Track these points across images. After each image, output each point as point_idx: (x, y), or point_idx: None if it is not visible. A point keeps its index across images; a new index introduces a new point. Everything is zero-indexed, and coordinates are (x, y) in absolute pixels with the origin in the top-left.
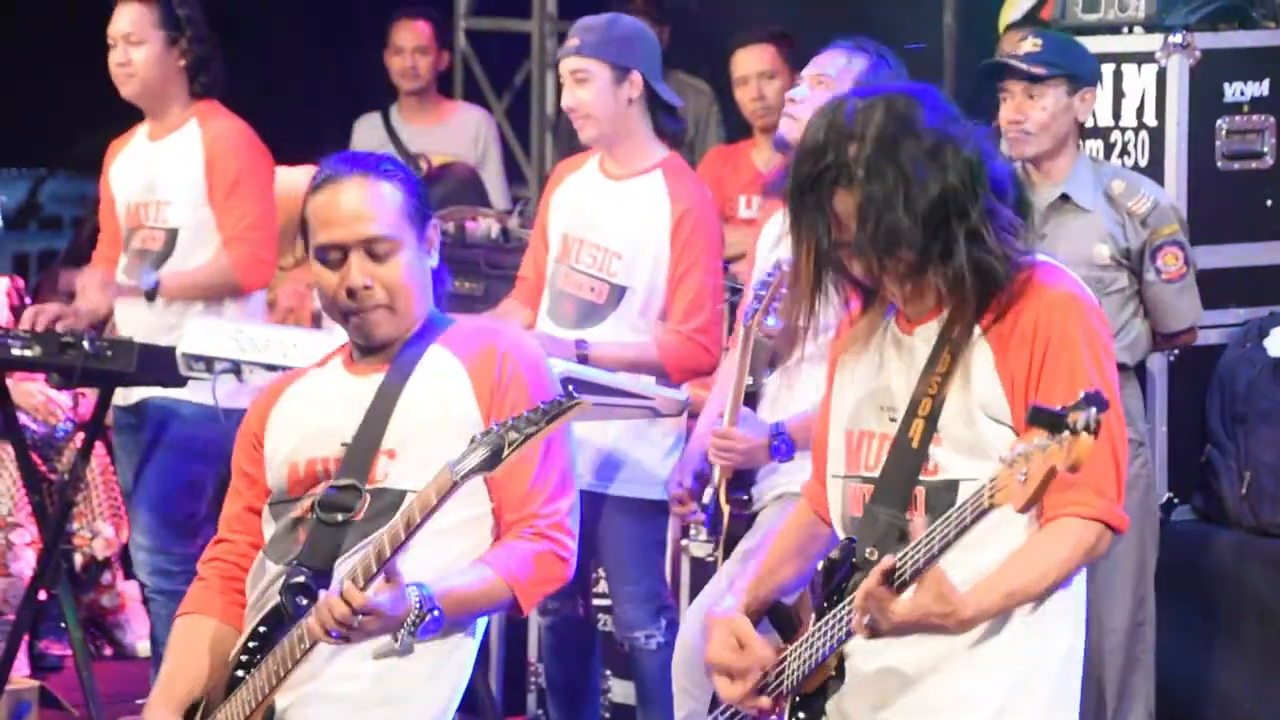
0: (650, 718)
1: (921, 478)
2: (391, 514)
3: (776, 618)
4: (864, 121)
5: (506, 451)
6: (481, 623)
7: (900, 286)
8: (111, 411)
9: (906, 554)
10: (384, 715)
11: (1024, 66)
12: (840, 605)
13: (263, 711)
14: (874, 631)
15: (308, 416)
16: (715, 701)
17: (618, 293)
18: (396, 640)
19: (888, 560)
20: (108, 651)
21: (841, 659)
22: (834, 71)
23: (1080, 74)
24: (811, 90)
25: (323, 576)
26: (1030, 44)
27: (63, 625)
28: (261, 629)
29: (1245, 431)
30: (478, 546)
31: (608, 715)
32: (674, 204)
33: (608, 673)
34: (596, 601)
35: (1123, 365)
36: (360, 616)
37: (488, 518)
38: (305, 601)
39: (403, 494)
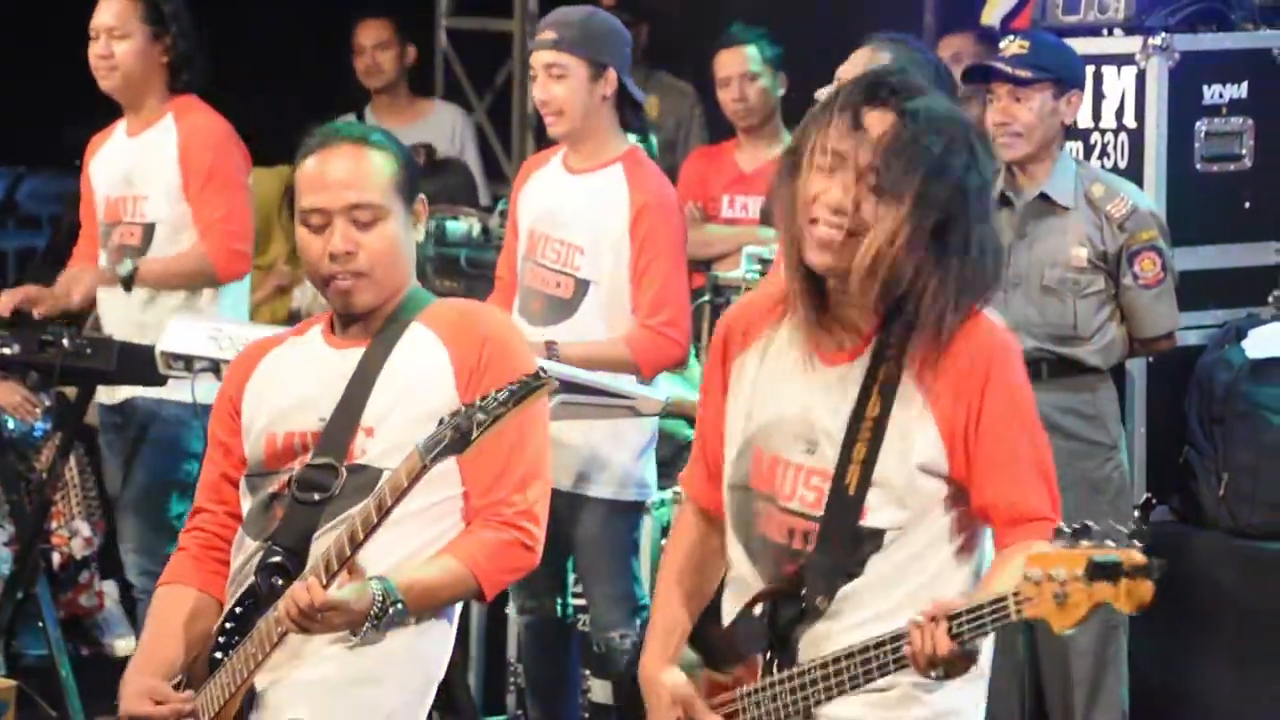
0: (627, 717)
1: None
2: (368, 492)
3: (703, 643)
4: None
5: (476, 433)
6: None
7: (839, 265)
8: (96, 411)
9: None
10: (362, 694)
11: (1010, 69)
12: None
13: (242, 693)
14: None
15: (286, 387)
16: None
17: (583, 287)
18: (358, 635)
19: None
20: (85, 652)
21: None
22: None
23: (1066, 77)
24: None
25: (298, 556)
26: (1017, 46)
27: (40, 625)
28: (238, 609)
29: (1223, 433)
30: (448, 532)
31: (587, 715)
32: (633, 197)
33: (587, 672)
34: (574, 601)
35: (1096, 368)
36: (322, 612)
37: (459, 501)
38: (280, 582)
39: (380, 472)
